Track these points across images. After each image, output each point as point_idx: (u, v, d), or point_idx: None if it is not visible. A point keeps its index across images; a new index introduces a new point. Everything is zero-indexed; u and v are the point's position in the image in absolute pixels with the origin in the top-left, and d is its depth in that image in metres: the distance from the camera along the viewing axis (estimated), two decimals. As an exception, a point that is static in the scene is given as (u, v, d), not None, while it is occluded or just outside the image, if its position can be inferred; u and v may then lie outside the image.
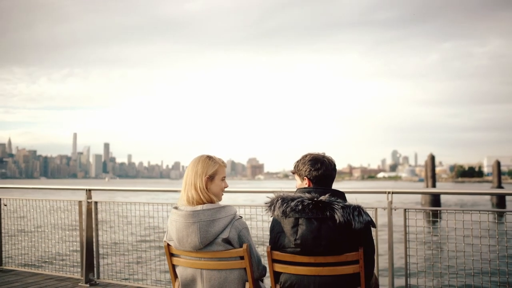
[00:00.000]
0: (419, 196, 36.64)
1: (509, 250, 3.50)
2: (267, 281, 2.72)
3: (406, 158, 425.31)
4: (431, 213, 4.30)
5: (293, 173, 2.72)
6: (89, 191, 5.29)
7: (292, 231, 2.45)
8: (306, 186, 2.61)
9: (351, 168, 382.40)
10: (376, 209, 3.91)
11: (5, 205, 5.99)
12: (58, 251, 5.79)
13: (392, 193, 3.86)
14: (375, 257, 3.74)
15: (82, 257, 5.23)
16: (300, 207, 2.42)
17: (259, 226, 4.29)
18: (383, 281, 4.07)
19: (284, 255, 2.48)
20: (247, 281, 2.54)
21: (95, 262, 5.24)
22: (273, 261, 2.53)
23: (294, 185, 2.76)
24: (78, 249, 5.38)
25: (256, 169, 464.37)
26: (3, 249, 6.01)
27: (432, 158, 36.50)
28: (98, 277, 5.24)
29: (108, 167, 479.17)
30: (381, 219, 3.95)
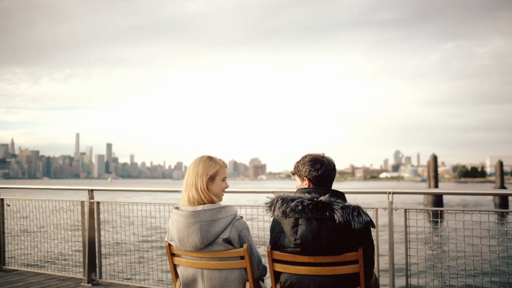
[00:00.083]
0: (422, 196, 36.60)
1: (510, 250, 3.50)
2: (267, 281, 2.74)
3: (408, 159, 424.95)
4: (431, 213, 4.30)
5: (293, 173, 2.74)
6: (91, 191, 5.31)
7: (292, 231, 2.46)
8: (306, 186, 2.63)
9: (354, 169, 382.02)
10: (377, 209, 3.92)
11: (8, 205, 6.02)
12: (60, 251, 5.81)
13: (393, 193, 3.87)
14: (375, 257, 3.78)
15: (85, 257, 5.25)
16: (300, 207, 2.44)
17: (260, 227, 4.31)
18: (384, 281, 4.08)
19: (284, 255, 2.50)
20: (248, 280, 2.56)
21: (97, 262, 5.26)
22: (273, 261, 2.55)
23: (296, 186, 2.78)
24: (81, 249, 5.41)
25: (258, 169, 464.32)
26: (6, 249, 6.04)
27: (435, 158, 36.44)
28: (100, 277, 5.26)
29: (111, 167, 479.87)
30: (381, 219, 3.97)
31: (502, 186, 39.55)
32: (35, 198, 5.88)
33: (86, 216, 5.27)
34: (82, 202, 5.33)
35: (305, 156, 2.69)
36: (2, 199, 6.01)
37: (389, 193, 3.87)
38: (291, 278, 2.51)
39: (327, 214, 2.41)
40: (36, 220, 5.90)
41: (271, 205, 2.55)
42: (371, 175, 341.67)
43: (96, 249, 5.26)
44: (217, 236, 2.50)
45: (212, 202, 2.58)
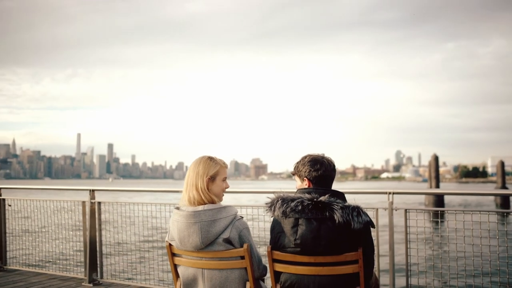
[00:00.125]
0: (423, 196, 36.57)
1: (511, 250, 3.50)
2: (268, 281, 2.75)
3: (409, 159, 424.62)
4: (431, 213, 4.31)
5: (293, 174, 2.75)
6: (92, 191, 5.33)
7: (292, 231, 2.47)
8: (306, 186, 2.64)
9: (355, 169, 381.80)
10: (377, 209, 3.93)
11: (10, 206, 6.03)
12: (61, 251, 5.82)
13: (393, 193, 3.88)
14: (376, 257, 3.78)
15: (86, 257, 5.27)
16: (300, 207, 2.45)
17: (261, 227, 4.32)
18: (384, 281, 4.09)
19: (284, 255, 2.51)
20: (248, 280, 2.57)
21: (98, 262, 5.27)
22: (274, 260, 2.56)
23: (296, 186, 2.79)
24: (82, 249, 5.42)
25: (259, 169, 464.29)
26: (8, 249, 6.05)
27: (436, 158, 36.42)
28: (102, 277, 5.28)
29: (112, 167, 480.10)
30: (382, 220, 3.97)
31: (504, 187, 39.46)
32: (37, 198, 5.89)
33: (87, 216, 5.28)
34: (83, 202, 5.34)
35: (305, 157, 2.70)
36: (4, 199, 6.03)
37: (389, 193, 3.87)
38: (291, 278, 2.52)
39: (327, 214, 2.42)
40: (37, 220, 5.91)
41: (271, 205, 2.56)
42: (372, 175, 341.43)
43: (97, 249, 5.27)
44: (218, 236, 2.51)
45: (213, 202, 2.59)
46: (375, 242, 3.71)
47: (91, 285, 5.15)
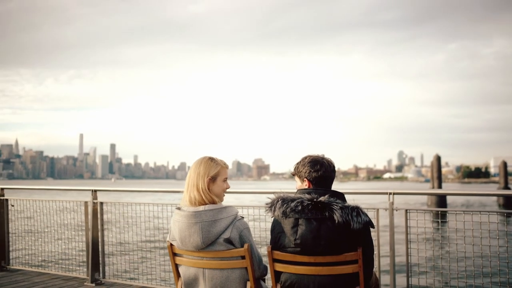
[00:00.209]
0: (426, 197, 36.50)
1: (510, 250, 3.51)
2: (268, 282, 2.77)
3: (412, 159, 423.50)
4: (432, 213, 4.31)
5: (293, 174, 2.77)
6: (94, 191, 5.35)
7: (292, 231, 2.49)
8: (306, 187, 2.65)
9: (357, 169, 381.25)
10: (378, 209, 3.94)
11: (13, 206, 6.06)
12: (64, 251, 5.86)
13: (394, 194, 3.89)
14: (376, 258, 3.80)
15: (88, 257, 5.29)
16: (299, 207, 2.47)
17: (263, 227, 4.33)
18: (385, 281, 4.10)
19: (285, 255, 2.53)
20: (249, 280, 2.59)
21: (100, 262, 5.30)
22: (274, 260, 2.58)
23: (296, 186, 2.80)
24: (84, 249, 5.45)
25: (262, 169, 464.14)
26: (11, 249, 6.08)
27: (438, 158, 36.31)
28: (104, 277, 5.30)
29: (114, 167, 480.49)
30: (383, 220, 3.99)
31: (506, 187, 39.39)
32: (39, 198, 5.93)
33: (90, 217, 5.31)
34: (86, 202, 5.36)
35: (305, 157, 2.72)
36: (7, 200, 6.06)
37: (390, 193, 3.89)
38: (291, 277, 2.54)
39: (327, 214, 2.43)
40: (40, 220, 5.95)
41: (271, 206, 2.58)
42: (375, 175, 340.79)
43: (100, 249, 5.30)
44: (218, 236, 2.53)
45: (213, 202, 2.61)
46: (375, 243, 3.74)
47: (93, 285, 5.18)
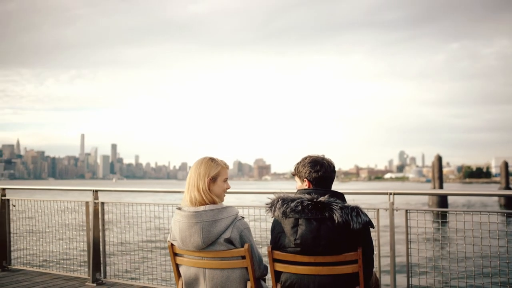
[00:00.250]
0: (427, 197, 36.46)
1: (511, 250, 3.52)
2: (269, 282, 2.78)
3: (413, 159, 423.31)
4: (433, 213, 4.32)
5: (293, 175, 2.78)
6: (96, 192, 5.37)
7: (292, 231, 2.50)
8: (306, 187, 2.66)
9: (358, 169, 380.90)
10: (378, 210, 3.95)
11: (14, 206, 6.08)
12: (65, 251, 5.87)
13: (394, 194, 3.90)
14: (377, 258, 3.81)
15: (89, 257, 5.30)
16: (299, 207, 2.48)
17: (263, 227, 4.34)
18: (385, 281, 4.10)
19: (285, 255, 2.54)
20: (249, 280, 2.60)
21: (102, 262, 5.31)
22: (274, 260, 2.59)
23: (296, 187, 2.81)
24: (85, 249, 5.46)
25: (263, 169, 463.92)
26: (12, 249, 6.10)
27: (439, 159, 36.28)
28: (105, 277, 5.31)
29: (116, 168, 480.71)
30: (383, 220, 3.99)
31: (507, 187, 39.37)
32: (41, 198, 5.94)
33: (91, 217, 5.32)
34: (87, 202, 5.38)
35: (305, 158, 2.73)
36: (8, 200, 6.07)
37: (390, 194, 3.90)
38: (292, 277, 2.55)
39: (326, 214, 2.44)
40: (41, 220, 5.96)
41: (271, 206, 2.59)
42: (376, 175, 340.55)
43: (101, 249, 5.31)
44: (219, 236, 2.54)
45: (214, 202, 2.62)
46: (376, 243, 3.75)
47: (94, 284, 5.19)
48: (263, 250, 3.57)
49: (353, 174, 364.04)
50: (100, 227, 5.31)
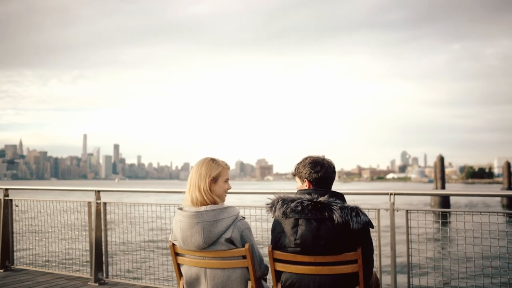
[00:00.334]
0: (429, 197, 36.42)
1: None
2: (270, 281, 2.79)
3: (415, 159, 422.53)
4: (434, 213, 4.33)
5: (294, 175, 2.80)
6: (98, 192, 5.39)
7: (292, 231, 2.52)
8: (306, 188, 2.68)
9: (360, 169, 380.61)
10: (379, 210, 3.96)
11: (17, 206, 6.11)
12: (68, 251, 5.89)
13: (395, 194, 3.91)
14: (377, 258, 3.82)
15: (92, 256, 5.33)
16: (299, 208, 2.50)
17: (264, 227, 4.36)
18: (386, 281, 4.12)
19: (285, 255, 2.56)
20: (250, 279, 2.62)
21: (104, 262, 5.33)
22: (275, 260, 2.61)
23: (297, 187, 2.83)
24: (88, 249, 5.48)
25: (265, 170, 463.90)
26: (15, 249, 6.13)
27: (441, 159, 36.26)
28: (107, 277, 5.34)
29: (118, 168, 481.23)
30: (384, 221, 4.00)
31: (510, 187, 39.28)
32: (43, 198, 5.97)
33: (93, 217, 5.34)
34: (89, 202, 5.40)
35: (306, 158, 2.75)
36: (11, 200, 6.10)
37: (391, 194, 3.91)
38: (292, 277, 2.57)
39: (326, 214, 2.46)
40: (44, 220, 5.99)
41: (271, 206, 2.61)
42: (378, 176, 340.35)
43: (103, 249, 5.33)
44: (220, 236, 2.56)
45: (215, 203, 2.64)
46: (376, 243, 3.77)
47: (96, 284, 5.21)
48: (264, 250, 3.59)
49: (355, 175, 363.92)
50: (103, 227, 5.34)
